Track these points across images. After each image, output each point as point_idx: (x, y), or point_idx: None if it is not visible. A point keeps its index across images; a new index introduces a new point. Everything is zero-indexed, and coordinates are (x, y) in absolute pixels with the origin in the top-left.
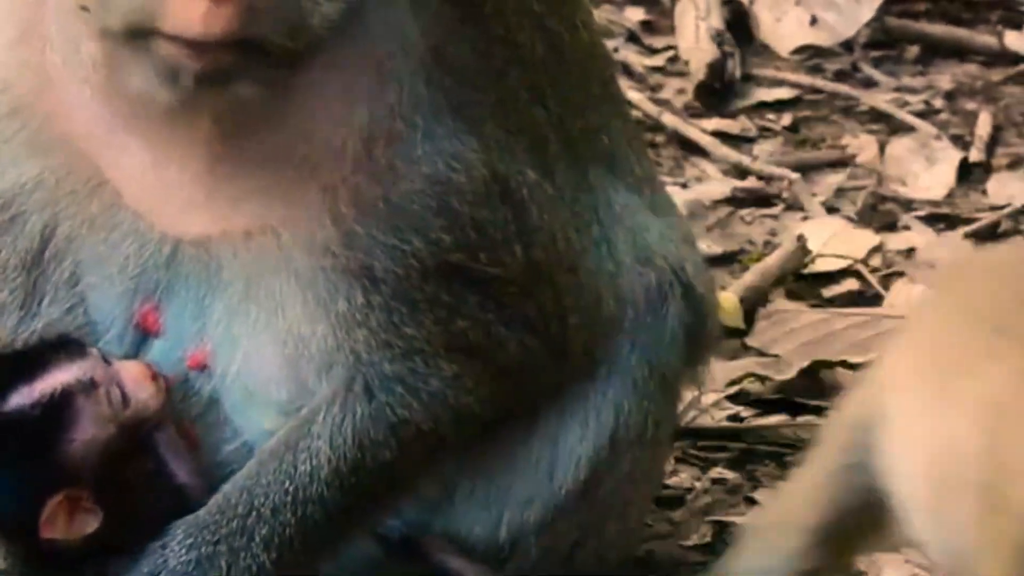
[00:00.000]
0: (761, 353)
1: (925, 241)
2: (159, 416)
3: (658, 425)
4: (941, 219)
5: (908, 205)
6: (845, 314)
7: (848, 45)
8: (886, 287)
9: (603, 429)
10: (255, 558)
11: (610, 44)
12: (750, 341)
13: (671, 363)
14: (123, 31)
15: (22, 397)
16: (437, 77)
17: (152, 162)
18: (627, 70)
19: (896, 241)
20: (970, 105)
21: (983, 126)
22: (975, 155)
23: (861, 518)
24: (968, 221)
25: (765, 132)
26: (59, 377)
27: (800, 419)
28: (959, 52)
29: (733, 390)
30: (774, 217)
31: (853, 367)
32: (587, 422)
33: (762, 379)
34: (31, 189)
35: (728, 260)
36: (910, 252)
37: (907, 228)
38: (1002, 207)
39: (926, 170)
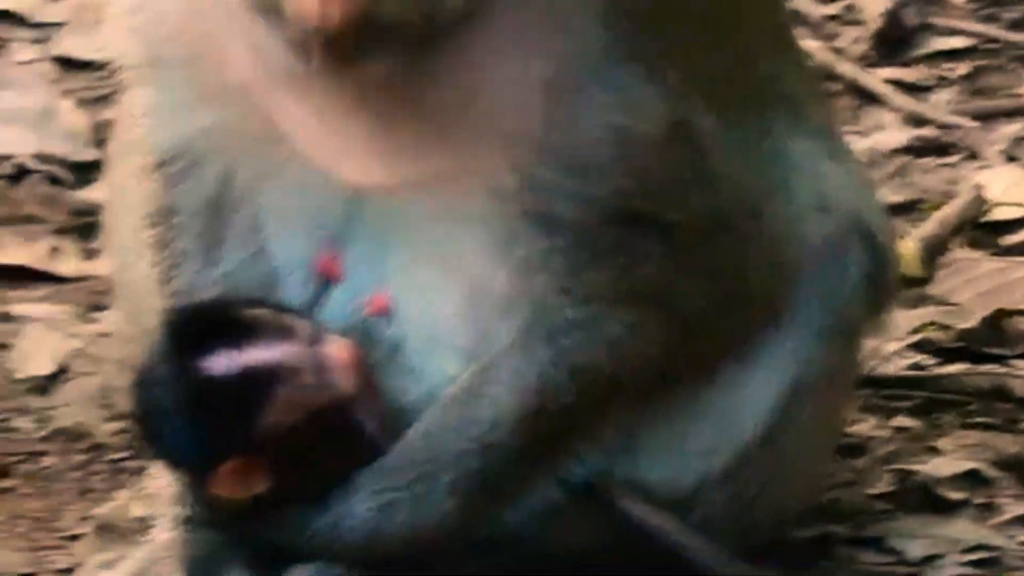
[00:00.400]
0: (942, 302)
1: None
2: (353, 396)
3: (841, 373)
4: None
5: None
6: None
7: None
8: None
9: (785, 378)
10: (439, 504)
11: None
12: (931, 290)
13: (853, 311)
14: (258, 5)
15: (225, 362)
16: (614, 24)
17: (327, 114)
18: (803, 19)
19: None
20: None
21: None
22: None
23: None
24: None
25: (941, 81)
26: (266, 355)
27: (982, 368)
28: None
29: (915, 338)
30: (951, 166)
31: None
32: (770, 371)
33: (944, 328)
34: (206, 137)
35: (906, 209)
36: None
37: None
38: None
39: None
